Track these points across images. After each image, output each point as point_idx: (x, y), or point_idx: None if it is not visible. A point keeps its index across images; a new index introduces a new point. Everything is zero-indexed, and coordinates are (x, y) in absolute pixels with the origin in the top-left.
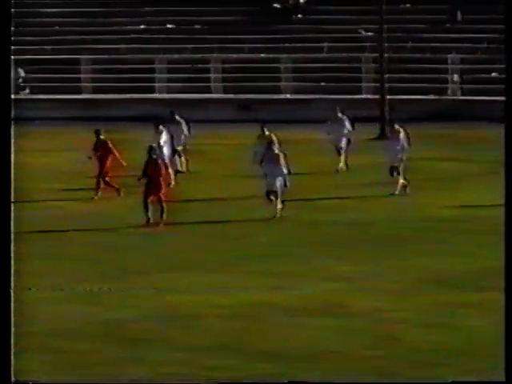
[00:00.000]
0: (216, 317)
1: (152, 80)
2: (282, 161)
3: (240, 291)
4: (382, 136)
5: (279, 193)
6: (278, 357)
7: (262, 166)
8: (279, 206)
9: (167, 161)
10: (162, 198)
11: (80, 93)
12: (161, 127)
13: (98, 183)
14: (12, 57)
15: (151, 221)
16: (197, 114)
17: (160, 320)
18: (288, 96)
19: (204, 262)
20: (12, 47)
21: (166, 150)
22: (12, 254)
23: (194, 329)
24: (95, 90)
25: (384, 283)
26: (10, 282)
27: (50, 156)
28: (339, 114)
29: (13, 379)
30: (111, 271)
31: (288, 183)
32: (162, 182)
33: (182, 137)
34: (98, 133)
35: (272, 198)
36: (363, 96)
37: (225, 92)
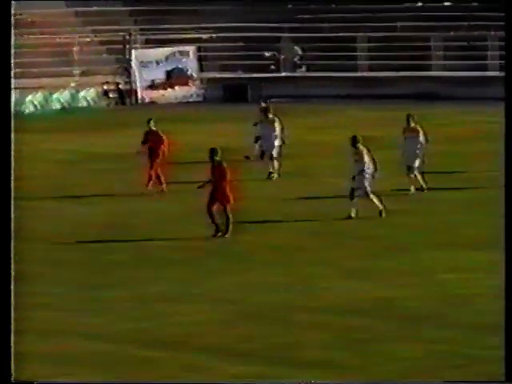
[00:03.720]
0: (486, 296)
1: (428, 58)
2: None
3: None
4: None
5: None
6: None
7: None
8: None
9: (274, 152)
10: (228, 207)
11: (356, 71)
12: (271, 116)
13: (158, 177)
14: (287, 34)
15: (220, 228)
16: (473, 91)
17: (429, 298)
18: None
19: (471, 239)
20: (286, 25)
21: (276, 142)
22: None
23: (464, 308)
24: (371, 68)
25: None
26: (13, 280)
27: (326, 134)
28: None
29: (13, 379)
30: (380, 248)
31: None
32: (228, 189)
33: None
34: (148, 122)
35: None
36: None
37: (501, 70)
